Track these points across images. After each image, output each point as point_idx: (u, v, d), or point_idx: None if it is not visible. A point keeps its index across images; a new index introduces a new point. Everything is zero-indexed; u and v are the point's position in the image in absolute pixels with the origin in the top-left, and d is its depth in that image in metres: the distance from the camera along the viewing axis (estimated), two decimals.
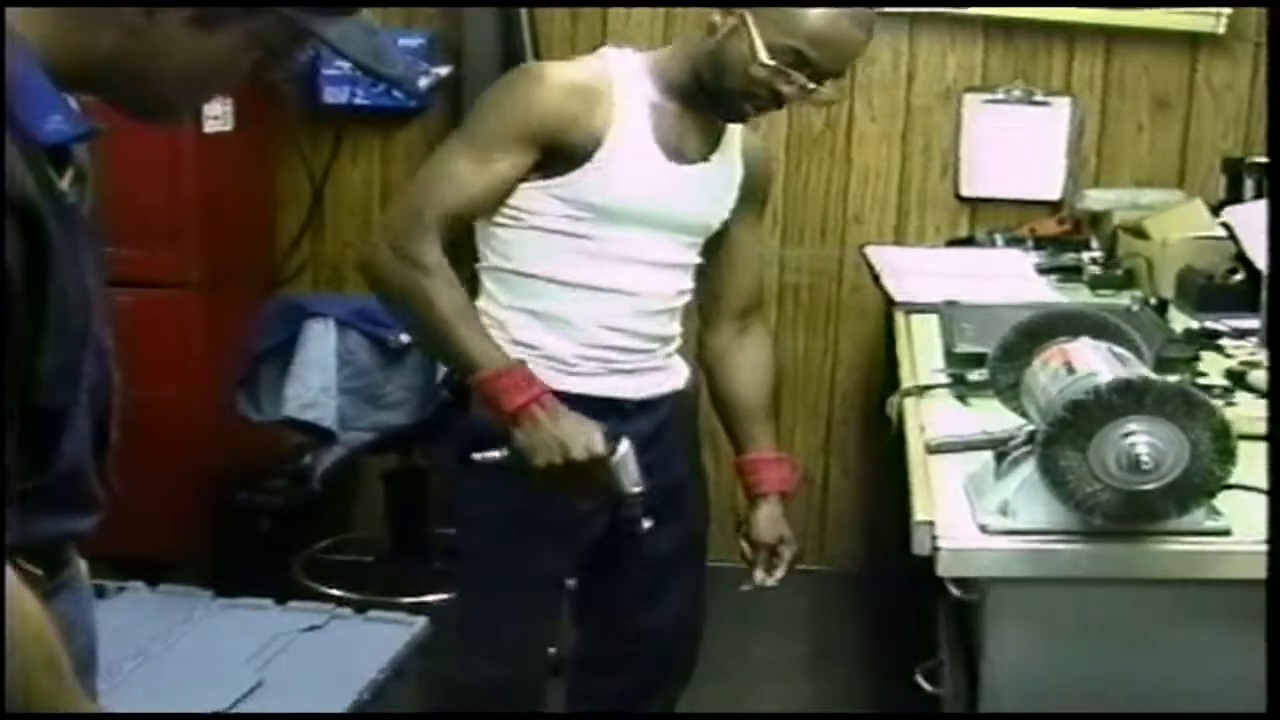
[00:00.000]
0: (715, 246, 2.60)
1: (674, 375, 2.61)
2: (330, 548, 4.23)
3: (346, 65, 1.81)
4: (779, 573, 2.67)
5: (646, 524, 2.31)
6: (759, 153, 2.66)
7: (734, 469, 2.73)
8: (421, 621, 3.33)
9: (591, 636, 2.81)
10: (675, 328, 2.59)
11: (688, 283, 2.57)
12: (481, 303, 2.46)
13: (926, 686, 2.33)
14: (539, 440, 2.23)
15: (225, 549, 4.06)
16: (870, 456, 4.58)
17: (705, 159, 2.48)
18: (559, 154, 2.35)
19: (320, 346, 3.60)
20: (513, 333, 2.42)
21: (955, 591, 2.13)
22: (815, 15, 2.29)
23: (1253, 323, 2.97)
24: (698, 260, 2.57)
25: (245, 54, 1.45)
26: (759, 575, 2.66)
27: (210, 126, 4.05)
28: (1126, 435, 1.75)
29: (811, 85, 2.33)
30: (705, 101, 2.41)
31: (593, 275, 2.42)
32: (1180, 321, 3.22)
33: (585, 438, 2.23)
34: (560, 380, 2.38)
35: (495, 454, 2.29)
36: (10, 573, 1.25)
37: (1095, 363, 1.91)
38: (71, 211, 1.40)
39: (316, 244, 4.58)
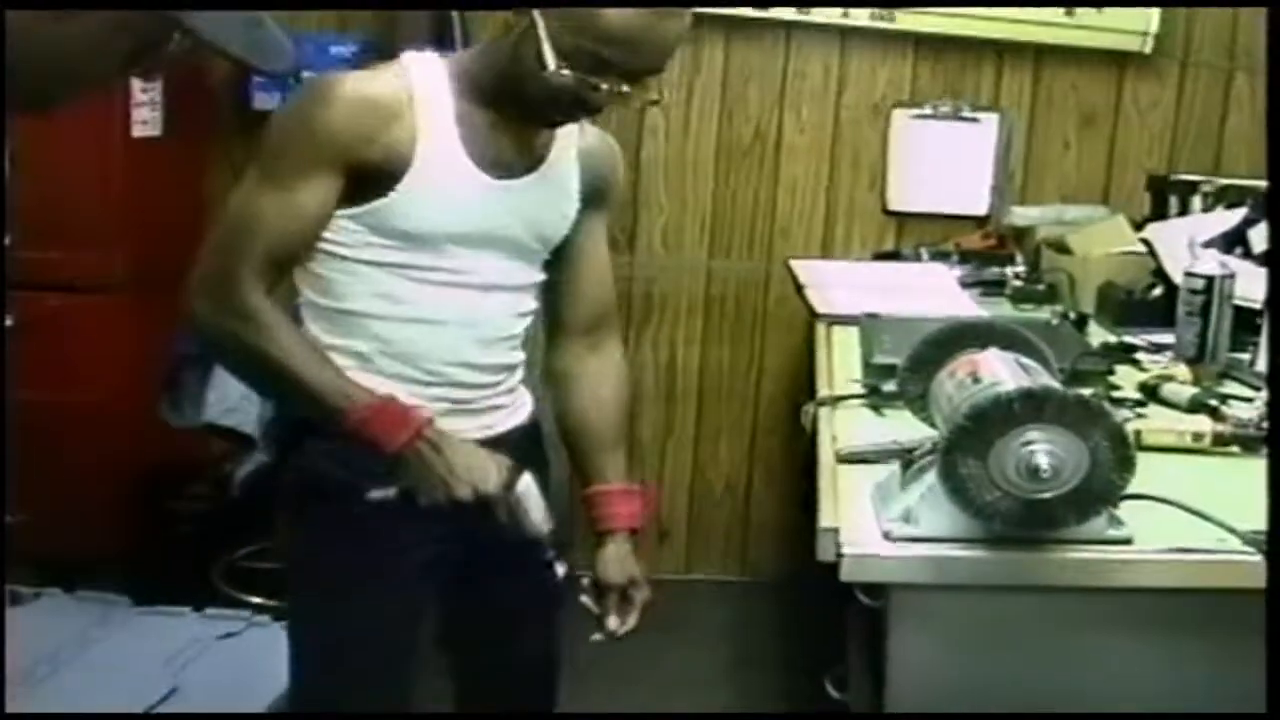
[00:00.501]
0: (557, 258, 2.32)
1: (519, 408, 2.38)
2: (251, 555, 4.20)
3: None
4: (631, 620, 2.34)
5: (560, 569, 2.16)
6: (600, 150, 2.34)
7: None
8: None
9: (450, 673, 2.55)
10: (518, 355, 2.33)
11: (530, 304, 2.31)
12: None
13: (834, 693, 2.36)
14: (425, 478, 2.04)
15: (146, 553, 4.03)
16: (793, 466, 4.60)
17: (532, 169, 2.21)
18: (364, 178, 2.08)
19: None
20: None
21: (862, 598, 2.16)
22: (610, 13, 1.98)
23: (1168, 337, 3.01)
24: (540, 278, 2.31)
25: (113, 43, 1.42)
26: (611, 622, 2.32)
27: (139, 131, 4.03)
28: (1026, 444, 1.77)
29: (624, 88, 2.04)
30: (514, 109, 2.13)
31: (420, 306, 2.16)
32: (1099, 336, 3.27)
33: (475, 473, 2.05)
34: None
35: (386, 492, 2.07)
36: None
37: (1001, 372, 1.93)
38: None
39: None
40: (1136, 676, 1.99)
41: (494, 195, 2.15)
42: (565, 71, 2.00)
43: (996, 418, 1.78)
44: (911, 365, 2.19)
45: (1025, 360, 2.03)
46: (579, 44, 2.00)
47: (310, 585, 2.31)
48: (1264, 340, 2.80)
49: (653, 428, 4.58)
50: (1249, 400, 2.61)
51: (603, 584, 2.34)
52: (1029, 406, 1.78)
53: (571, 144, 2.27)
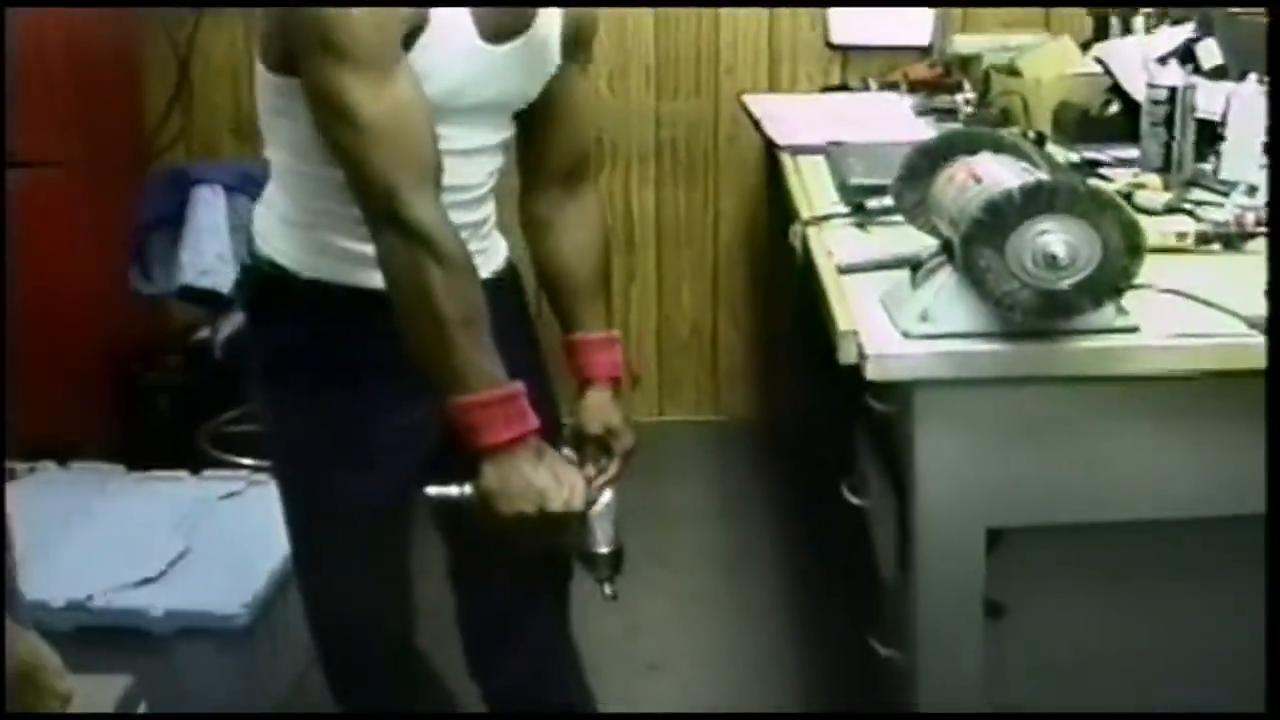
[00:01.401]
0: (533, 108, 2.20)
1: (492, 257, 2.27)
2: (235, 419, 4.25)
3: None
4: (612, 469, 2.21)
5: (609, 590, 2.09)
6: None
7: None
8: None
9: (464, 548, 2.51)
10: (487, 209, 2.24)
11: (500, 160, 2.21)
12: (266, 204, 2.20)
13: (853, 499, 2.45)
14: (515, 486, 1.91)
15: (128, 429, 4.08)
16: (756, 306, 4.69)
17: (521, 32, 2.09)
18: None
19: (210, 213, 3.59)
20: (311, 233, 2.11)
21: (874, 404, 2.25)
22: None
23: (1132, 152, 3.09)
24: (510, 133, 2.21)
25: None
26: (587, 470, 2.16)
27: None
28: (1041, 234, 1.86)
29: None
30: None
31: None
32: (1059, 154, 3.34)
33: (568, 491, 1.94)
34: (370, 278, 1.97)
35: (454, 490, 1.98)
36: None
37: (1001, 173, 2.01)
38: None
39: (186, 116, 4.55)
40: (1153, 461, 2.09)
41: (489, 60, 2.05)
42: None
43: (1011, 210, 1.86)
44: (906, 174, 2.24)
45: (1019, 162, 2.12)
46: None
47: (284, 454, 2.33)
48: (1225, 151, 2.89)
49: (615, 276, 4.62)
50: (1219, 205, 2.71)
51: (580, 433, 2.26)
52: (1042, 197, 1.86)
53: None
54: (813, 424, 3.96)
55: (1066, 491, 2.10)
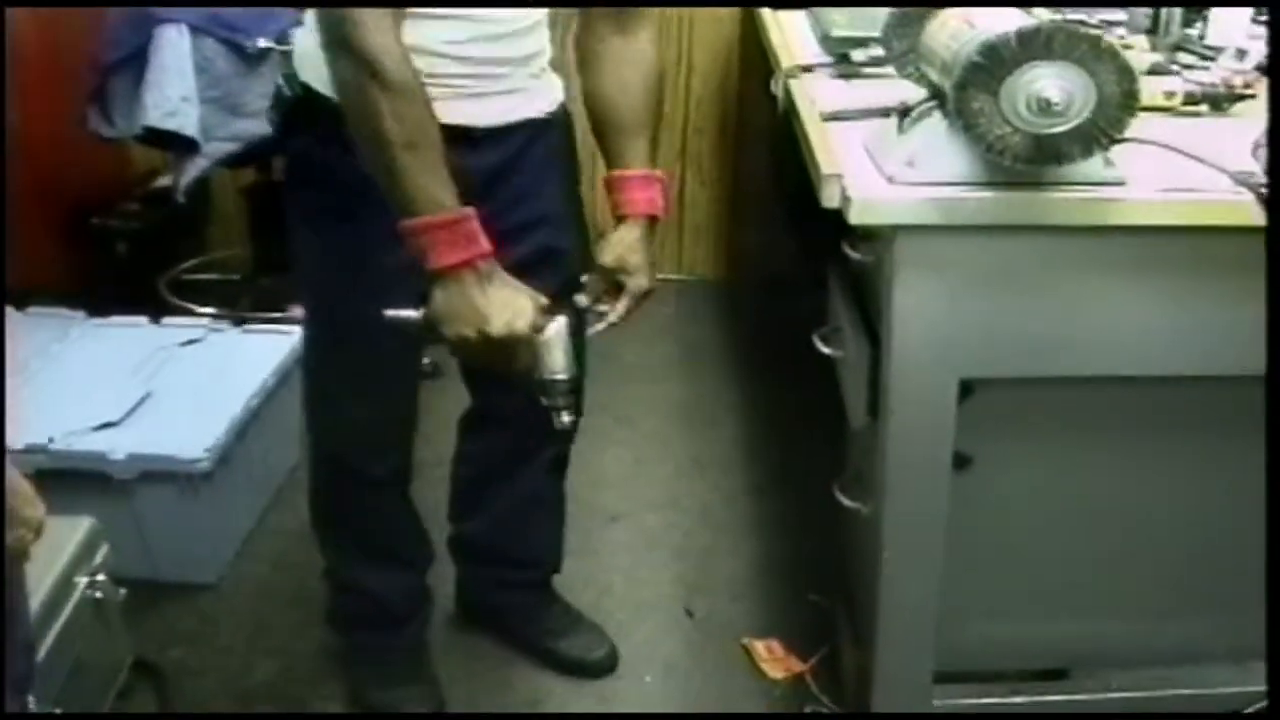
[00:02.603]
0: None
1: (535, 98, 2.32)
2: (194, 268, 4.24)
3: None
4: (620, 305, 2.35)
5: (566, 418, 2.12)
6: None
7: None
8: (298, 332, 3.39)
9: (472, 393, 2.67)
10: (535, 45, 2.28)
11: None
12: (307, 28, 2.17)
13: (824, 349, 2.46)
14: (458, 308, 1.96)
15: (84, 275, 4.04)
16: (725, 164, 4.68)
17: None
18: None
19: (175, 53, 3.51)
20: None
21: (854, 254, 2.26)
22: None
23: (1119, 15, 3.07)
24: None
25: None
26: (581, 299, 2.32)
27: None
28: (1037, 79, 1.86)
29: None
30: None
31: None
32: (1044, 15, 3.31)
33: (510, 314, 1.98)
34: None
35: (409, 312, 2.03)
36: None
37: (994, 20, 2.00)
38: None
39: None
40: (1135, 316, 2.11)
41: None
42: None
43: (1007, 53, 1.85)
44: (897, 21, 2.23)
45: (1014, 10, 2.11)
46: None
47: (303, 263, 2.40)
48: (1212, 16, 2.88)
49: (582, 132, 4.60)
50: (1205, 69, 2.71)
51: (599, 266, 2.34)
52: (1039, 41, 1.85)
53: None
54: (780, 280, 3.98)
55: (1042, 344, 2.12)
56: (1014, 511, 2.34)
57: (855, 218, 2.01)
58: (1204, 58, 2.78)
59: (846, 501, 2.43)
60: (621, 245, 2.32)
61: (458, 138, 2.08)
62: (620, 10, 2.31)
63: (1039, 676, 2.50)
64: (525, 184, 2.32)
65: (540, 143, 2.33)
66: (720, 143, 4.66)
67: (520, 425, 2.56)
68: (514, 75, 2.25)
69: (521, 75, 2.26)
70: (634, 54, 2.33)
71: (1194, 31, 2.90)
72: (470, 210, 1.97)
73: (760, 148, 3.94)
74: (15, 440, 2.84)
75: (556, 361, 2.07)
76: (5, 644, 1.55)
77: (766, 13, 3.41)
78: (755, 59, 3.92)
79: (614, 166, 2.36)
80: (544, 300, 2.06)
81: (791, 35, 3.12)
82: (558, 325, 2.07)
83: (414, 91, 1.93)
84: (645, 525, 2.97)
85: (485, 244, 1.98)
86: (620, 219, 2.35)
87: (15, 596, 1.75)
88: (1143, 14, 2.94)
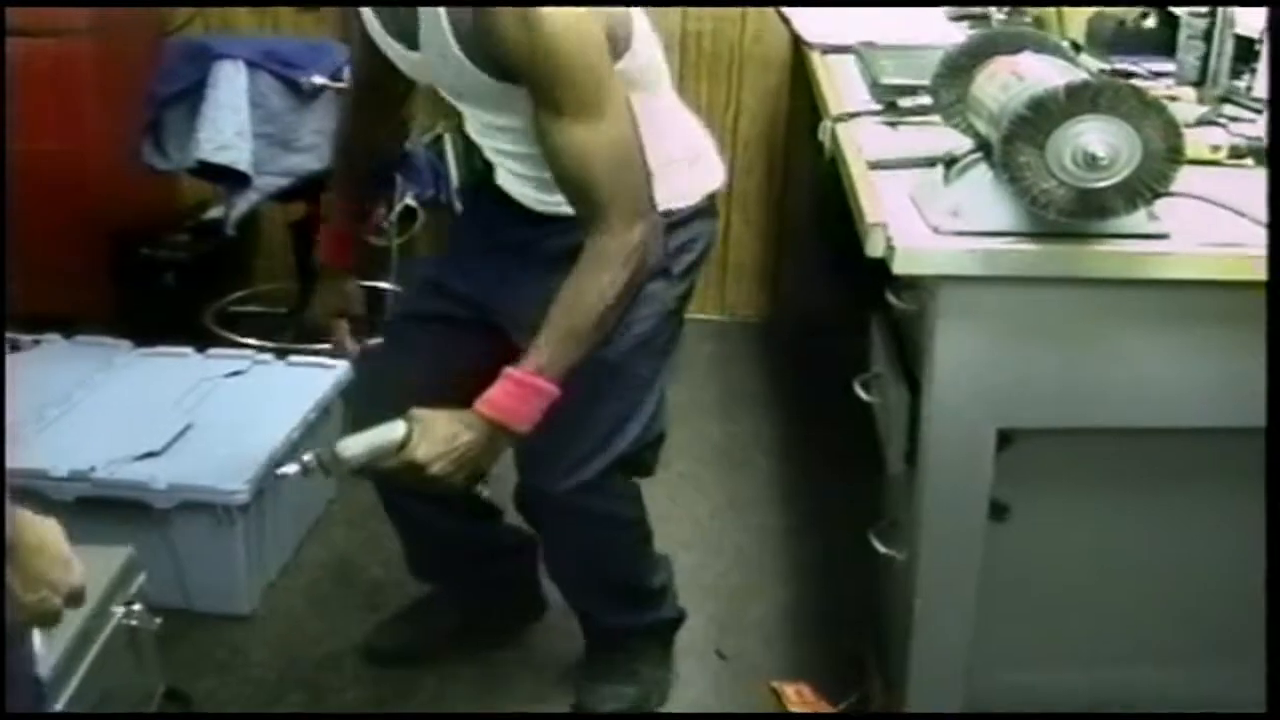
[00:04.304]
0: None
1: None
2: (240, 300, 4.27)
3: None
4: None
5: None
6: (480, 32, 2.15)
7: None
8: (343, 365, 3.42)
9: None
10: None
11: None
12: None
13: (864, 395, 2.46)
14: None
15: (132, 304, 4.08)
16: (771, 206, 4.69)
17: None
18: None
19: (231, 88, 3.56)
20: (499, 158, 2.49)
21: (894, 301, 2.26)
22: None
23: (1166, 65, 3.07)
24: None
25: None
26: None
27: None
28: (1083, 133, 1.86)
29: None
30: None
31: None
32: (1092, 65, 3.32)
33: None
34: (510, 188, 2.49)
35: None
36: None
37: (1044, 71, 2.00)
38: None
39: None
40: (1174, 368, 2.10)
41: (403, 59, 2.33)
42: None
43: (1055, 108, 1.86)
44: (945, 71, 2.24)
45: (1060, 61, 2.11)
46: None
47: None
48: (1262, 67, 2.87)
49: None
50: (1252, 121, 2.70)
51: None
52: (1086, 96, 1.86)
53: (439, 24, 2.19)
54: (821, 324, 3.98)
55: (1082, 395, 2.12)
56: (1048, 560, 2.33)
57: (899, 267, 2.01)
58: (1251, 110, 2.77)
59: (881, 548, 2.42)
60: (436, 427, 2.16)
61: None
62: (575, 209, 2.24)
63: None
64: None
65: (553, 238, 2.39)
66: (766, 185, 4.67)
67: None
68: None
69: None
70: (584, 259, 2.20)
71: (1241, 83, 2.90)
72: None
73: (805, 191, 3.95)
74: (59, 467, 2.88)
75: None
76: (4, 632, 1.50)
77: (816, 57, 3.42)
78: (803, 103, 3.93)
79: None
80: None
81: (840, 81, 3.13)
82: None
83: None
84: (679, 565, 2.95)
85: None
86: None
87: (19, 662, 1.68)
88: (1191, 65, 2.94)
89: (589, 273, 2.17)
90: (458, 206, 3.89)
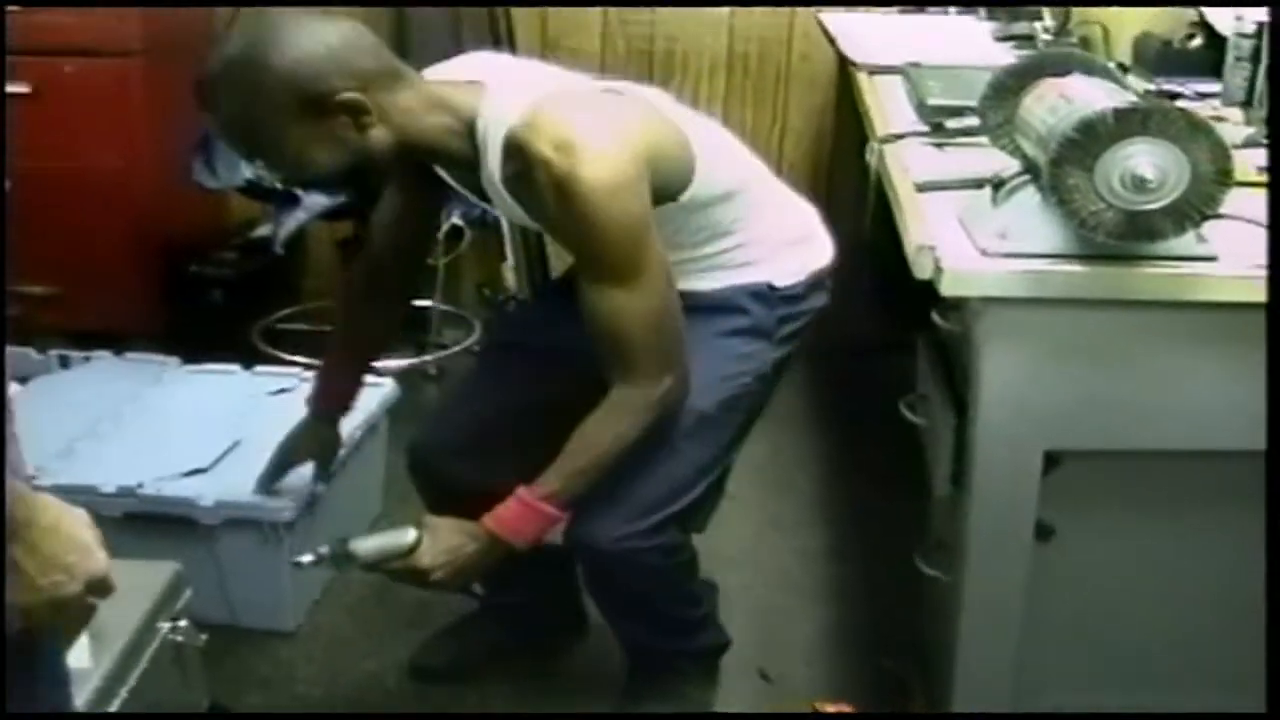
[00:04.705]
0: None
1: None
2: (287, 317, 4.28)
3: None
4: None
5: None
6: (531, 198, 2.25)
7: None
8: (389, 383, 3.42)
9: None
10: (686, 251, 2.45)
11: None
12: None
13: (910, 416, 2.45)
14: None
15: (180, 321, 4.09)
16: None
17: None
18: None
19: None
20: None
21: (943, 324, 2.25)
22: None
23: (1213, 86, 3.06)
24: None
25: None
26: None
27: None
28: (1132, 155, 1.86)
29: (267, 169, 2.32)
30: None
31: None
32: (1138, 85, 3.30)
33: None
34: None
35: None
36: None
37: (1092, 93, 2.00)
38: None
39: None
40: (1221, 391, 2.09)
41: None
42: None
43: (1103, 130, 1.86)
44: (992, 93, 2.25)
45: (1108, 84, 2.11)
46: None
47: None
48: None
49: None
50: None
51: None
52: (1135, 119, 1.86)
53: (505, 200, 2.29)
54: (864, 345, 3.97)
55: (1129, 417, 2.12)
56: (1093, 582, 2.32)
57: (947, 289, 2.02)
58: None
59: (926, 569, 2.42)
60: (442, 537, 2.29)
61: None
62: (602, 363, 2.28)
63: None
64: None
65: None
66: (811, 202, 4.64)
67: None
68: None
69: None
70: (601, 410, 2.27)
71: None
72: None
73: (849, 211, 3.94)
74: (107, 483, 2.90)
75: None
76: (4, 635, 1.49)
77: (862, 77, 3.43)
78: (849, 123, 3.93)
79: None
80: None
81: (886, 101, 3.14)
82: None
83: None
84: (724, 585, 2.95)
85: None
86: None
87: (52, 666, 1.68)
88: (1237, 86, 2.93)
89: (610, 419, 2.26)
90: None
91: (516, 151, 2.16)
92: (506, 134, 2.17)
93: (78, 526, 1.46)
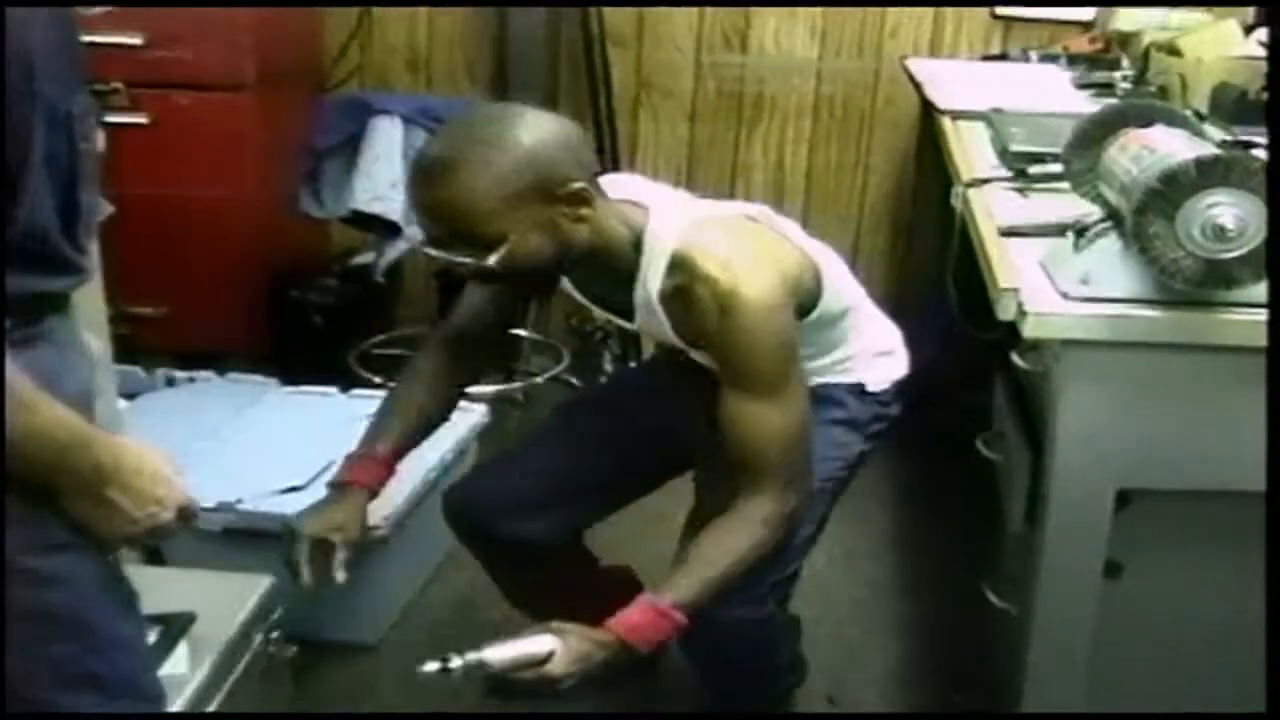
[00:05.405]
0: None
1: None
2: (382, 343, 4.30)
3: None
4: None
5: None
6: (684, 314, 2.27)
7: None
8: (481, 409, 3.43)
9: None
10: None
11: None
12: None
13: (986, 453, 2.44)
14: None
15: (280, 343, 4.13)
16: (895, 265, 4.66)
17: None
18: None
19: (387, 142, 3.60)
20: None
21: (1019, 362, 2.24)
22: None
23: None
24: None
25: None
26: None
27: None
28: (1212, 205, 1.85)
29: (472, 260, 2.12)
30: None
31: None
32: (1215, 134, 3.27)
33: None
34: None
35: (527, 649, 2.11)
36: None
37: (1174, 144, 1.99)
38: None
39: (364, 53, 4.58)
40: None
41: None
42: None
43: (1186, 181, 1.85)
44: (1077, 142, 2.24)
45: (1191, 136, 2.09)
46: None
47: None
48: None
49: None
50: None
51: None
52: (1216, 170, 1.85)
53: (654, 310, 2.29)
54: (939, 382, 3.94)
55: (1200, 457, 2.11)
56: (1160, 618, 2.29)
57: (1030, 331, 2.02)
58: None
59: (998, 602, 2.40)
60: (574, 645, 2.12)
61: None
62: (735, 471, 2.26)
63: None
64: None
65: None
66: (891, 245, 4.65)
67: None
68: None
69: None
70: (730, 518, 2.24)
71: None
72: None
73: (929, 252, 3.93)
74: (207, 498, 2.91)
75: None
76: (4, 640, 1.54)
77: (946, 122, 3.41)
78: (931, 166, 3.91)
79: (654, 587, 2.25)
80: None
81: (970, 146, 3.13)
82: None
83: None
84: (796, 610, 2.93)
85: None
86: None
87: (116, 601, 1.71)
88: None
89: (742, 531, 2.22)
90: None
91: (681, 267, 2.19)
92: (673, 250, 2.20)
93: (160, 462, 1.62)
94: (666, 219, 2.23)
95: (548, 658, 2.07)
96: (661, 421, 2.59)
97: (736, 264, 2.15)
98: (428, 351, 2.55)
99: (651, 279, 2.23)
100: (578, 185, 2.09)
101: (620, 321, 2.42)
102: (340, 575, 2.26)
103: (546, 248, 2.11)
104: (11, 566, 1.51)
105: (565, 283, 2.40)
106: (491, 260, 2.06)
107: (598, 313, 2.51)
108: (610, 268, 2.25)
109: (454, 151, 2.05)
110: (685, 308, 2.21)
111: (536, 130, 2.09)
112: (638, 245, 2.22)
